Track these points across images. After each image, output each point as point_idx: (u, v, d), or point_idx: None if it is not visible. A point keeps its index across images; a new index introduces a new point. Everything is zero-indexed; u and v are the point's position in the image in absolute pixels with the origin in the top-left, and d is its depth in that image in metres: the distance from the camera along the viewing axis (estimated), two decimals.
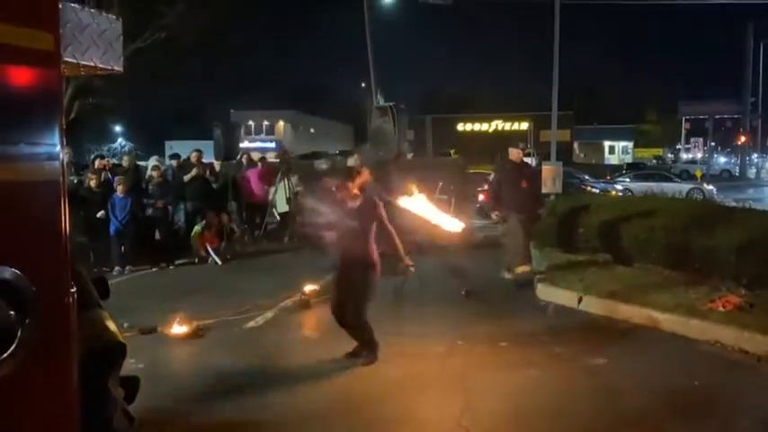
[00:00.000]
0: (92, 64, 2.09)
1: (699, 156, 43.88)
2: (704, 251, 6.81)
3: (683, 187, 21.77)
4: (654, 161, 51.44)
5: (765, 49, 39.34)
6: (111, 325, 1.68)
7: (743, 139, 42.01)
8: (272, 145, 48.12)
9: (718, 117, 48.82)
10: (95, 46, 2.04)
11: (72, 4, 1.94)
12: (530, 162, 15.35)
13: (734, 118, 46.70)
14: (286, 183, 11.17)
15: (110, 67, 2.22)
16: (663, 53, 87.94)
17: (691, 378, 4.63)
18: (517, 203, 7.91)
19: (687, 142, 47.61)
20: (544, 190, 13.12)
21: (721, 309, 5.72)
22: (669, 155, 59.49)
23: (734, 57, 43.26)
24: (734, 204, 9.87)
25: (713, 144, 52.58)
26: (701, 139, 46.21)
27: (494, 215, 8.40)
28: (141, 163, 13.01)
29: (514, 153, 8.30)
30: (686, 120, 48.20)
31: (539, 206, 8.75)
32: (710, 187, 23.24)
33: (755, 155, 50.29)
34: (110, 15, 2.29)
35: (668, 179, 24.34)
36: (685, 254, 7.03)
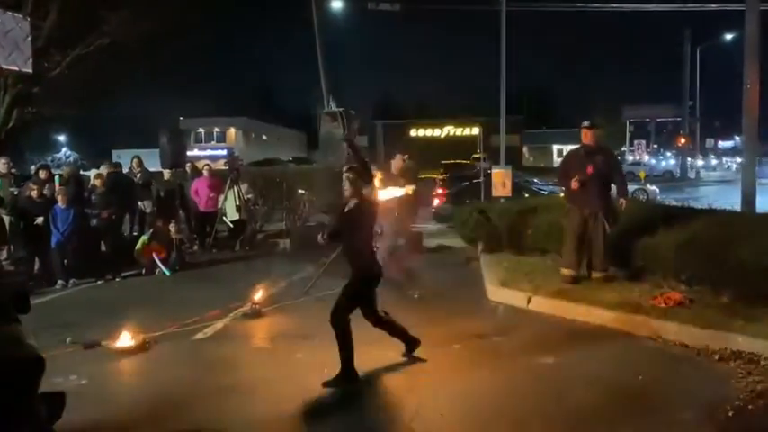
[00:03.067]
0: None
1: (646, 158, 45.37)
2: (647, 249, 7.02)
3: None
4: None
5: (702, 55, 41.03)
6: (29, 340, 1.59)
7: (682, 141, 43.63)
8: (224, 152, 47.42)
9: (659, 120, 50.66)
10: (0, 46, 1.93)
11: None
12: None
13: (674, 121, 48.49)
14: (235, 190, 11.00)
15: (16, 68, 2.12)
16: (607, 58, 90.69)
17: (635, 373, 4.75)
18: (579, 194, 7.04)
19: (631, 145, 49.11)
20: (494, 194, 13.37)
21: (663, 305, 5.91)
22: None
23: (673, 62, 45.02)
24: (675, 204, 10.20)
25: (656, 146, 54.45)
26: (643, 142, 47.76)
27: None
28: (86, 173, 12.67)
29: (584, 134, 7.27)
30: (630, 123, 49.77)
31: (614, 198, 7.28)
32: (654, 188, 24.00)
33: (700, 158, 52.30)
34: (16, 15, 2.18)
35: None
36: (629, 252, 7.24)
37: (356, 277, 4.88)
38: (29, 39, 2.22)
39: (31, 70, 2.28)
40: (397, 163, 8.70)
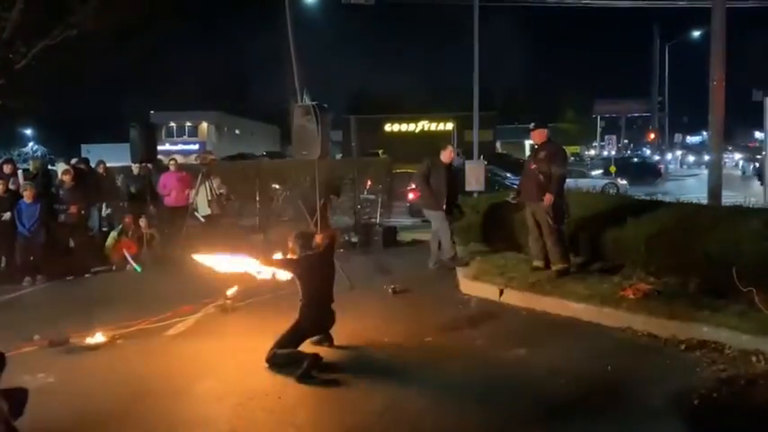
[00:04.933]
0: None
1: (614, 153, 46.06)
2: (616, 242, 7.14)
3: (598, 182, 22.72)
4: (572, 158, 53.46)
5: (670, 51, 41.75)
6: None
7: (652, 136, 44.40)
8: (196, 147, 46.88)
9: (629, 116, 51.39)
10: None
11: None
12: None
13: (644, 116, 49.28)
14: (207, 185, 10.86)
15: None
16: (578, 55, 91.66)
17: (604, 363, 4.83)
18: (524, 189, 7.64)
19: (602, 140, 49.76)
20: (467, 188, 13.47)
21: (632, 296, 6.01)
22: (588, 152, 62.11)
23: (642, 58, 45.70)
24: (644, 197, 10.37)
25: (627, 141, 55.22)
26: (614, 137, 48.44)
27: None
28: (53, 167, 12.42)
29: (531, 134, 7.80)
30: (601, 118, 50.41)
31: (548, 192, 7.16)
32: (624, 182, 24.41)
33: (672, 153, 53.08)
34: None
35: (585, 175, 25.37)
36: (599, 245, 7.35)
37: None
38: None
39: None
40: (447, 153, 8.79)
